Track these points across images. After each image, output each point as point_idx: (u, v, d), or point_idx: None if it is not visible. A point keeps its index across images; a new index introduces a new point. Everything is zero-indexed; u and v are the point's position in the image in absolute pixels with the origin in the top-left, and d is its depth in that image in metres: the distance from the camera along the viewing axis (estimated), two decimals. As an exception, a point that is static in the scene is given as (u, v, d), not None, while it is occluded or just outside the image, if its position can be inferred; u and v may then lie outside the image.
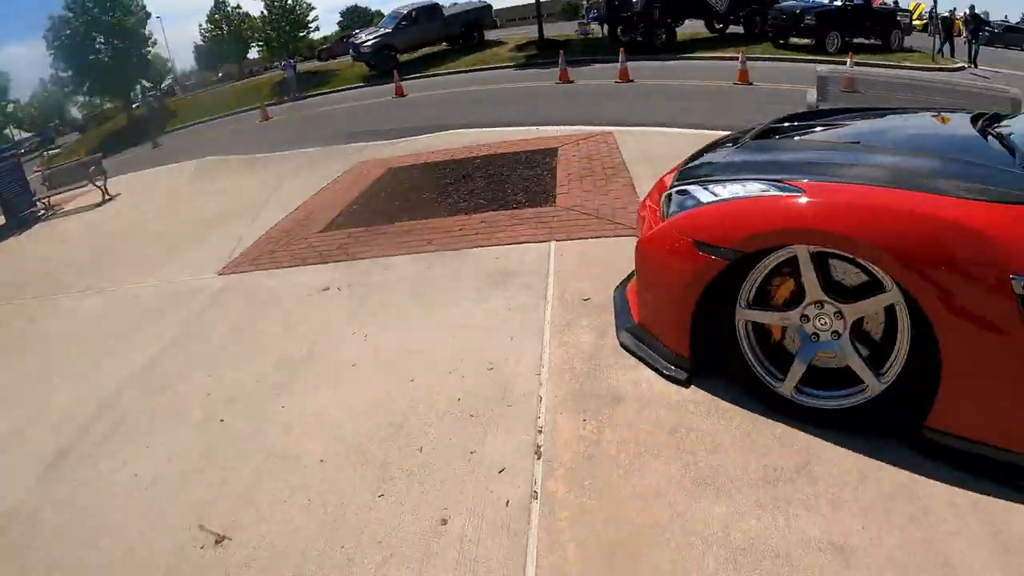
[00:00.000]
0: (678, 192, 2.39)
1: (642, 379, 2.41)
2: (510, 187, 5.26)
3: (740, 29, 19.48)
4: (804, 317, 2.07)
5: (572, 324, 2.85)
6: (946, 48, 17.06)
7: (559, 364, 2.56)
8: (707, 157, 2.71)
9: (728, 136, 3.08)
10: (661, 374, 2.41)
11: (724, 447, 2.03)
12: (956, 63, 16.19)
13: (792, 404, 2.12)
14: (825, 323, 2.05)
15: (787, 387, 2.12)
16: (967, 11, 18.04)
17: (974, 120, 2.58)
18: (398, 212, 5.05)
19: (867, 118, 3.06)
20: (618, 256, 3.37)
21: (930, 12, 18.06)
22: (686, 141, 5.59)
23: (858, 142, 2.57)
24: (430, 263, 3.85)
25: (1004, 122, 2.60)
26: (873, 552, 1.62)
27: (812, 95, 6.25)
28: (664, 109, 9.51)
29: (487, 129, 7.97)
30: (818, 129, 2.81)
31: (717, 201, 2.20)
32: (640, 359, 2.51)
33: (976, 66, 15.97)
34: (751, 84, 11.72)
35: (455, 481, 2.04)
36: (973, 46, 16.57)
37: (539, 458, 2.08)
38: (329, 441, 2.32)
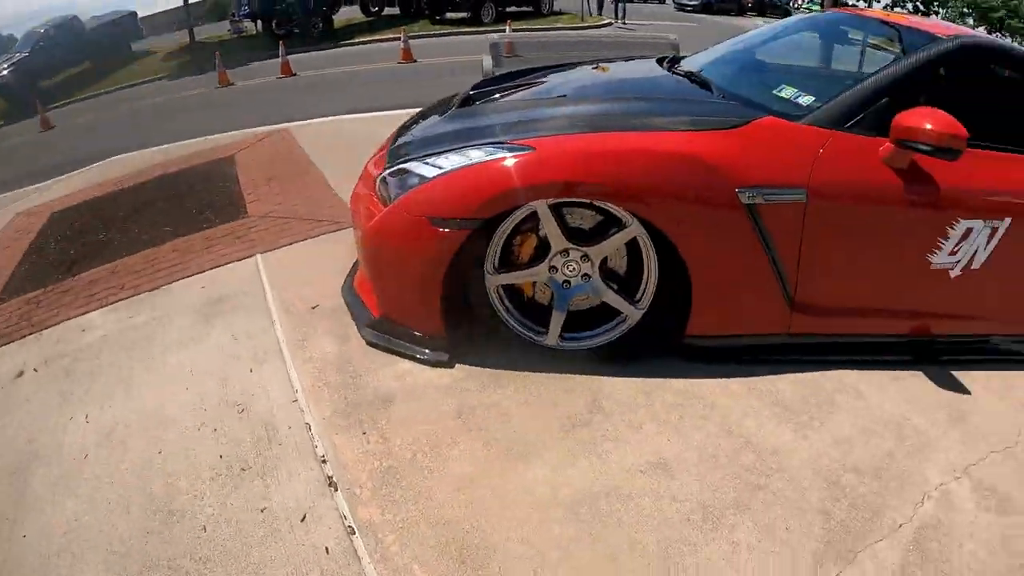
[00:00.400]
0: (393, 173, 2.26)
1: (404, 372, 2.25)
2: (194, 206, 4.55)
3: (396, 10, 20.03)
4: (552, 268, 2.17)
5: (309, 336, 2.52)
6: (594, 7, 19.71)
7: (312, 383, 2.23)
8: (415, 133, 2.61)
9: (426, 110, 3.01)
10: (421, 361, 2.28)
11: (513, 413, 2.02)
12: (604, 20, 19.13)
13: (562, 352, 2.22)
14: (574, 269, 2.17)
15: (551, 338, 2.20)
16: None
17: (659, 63, 2.99)
18: (77, 262, 3.94)
19: (561, 74, 3.21)
20: (332, 254, 3.14)
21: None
22: (367, 127, 5.51)
23: (565, 95, 2.71)
24: (131, 311, 3.05)
25: (683, 63, 3.06)
26: (686, 456, 1.79)
27: (488, 62, 6.44)
28: (336, 98, 9.28)
29: (152, 149, 6.76)
30: (520, 90, 2.88)
31: (443, 173, 2.12)
32: (394, 352, 2.34)
33: (624, 22, 18.92)
34: (416, 61, 12.14)
35: (260, 548, 1.61)
36: (619, 5, 18.94)
37: (336, 490, 1.77)
38: (95, 565, 1.63)
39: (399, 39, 12.79)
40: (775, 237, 2.03)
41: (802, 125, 2.11)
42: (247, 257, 3.39)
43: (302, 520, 1.69)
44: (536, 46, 7.80)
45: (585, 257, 2.14)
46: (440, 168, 2.14)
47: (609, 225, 2.10)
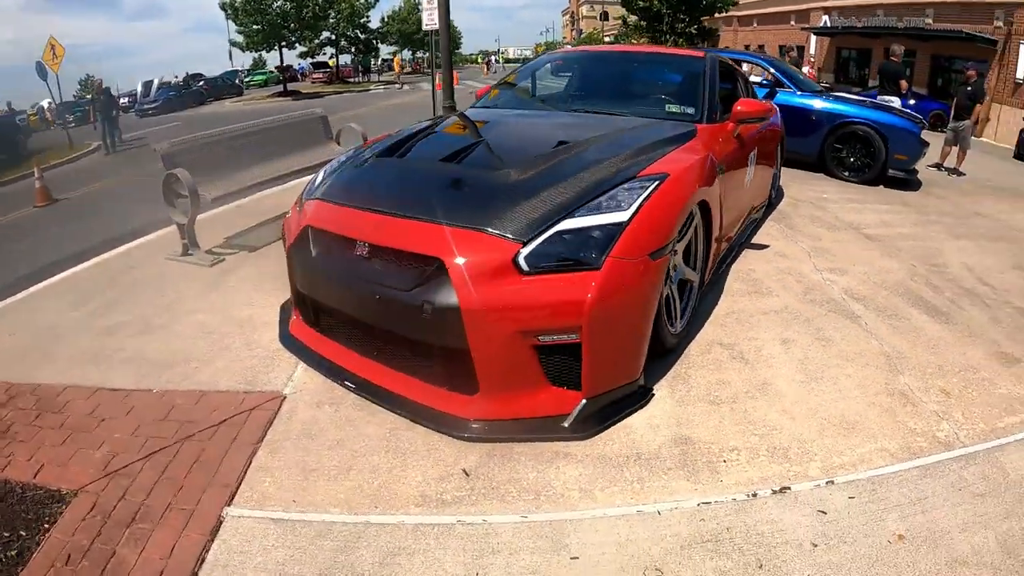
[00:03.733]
0: (552, 240, 2.17)
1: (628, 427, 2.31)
2: None
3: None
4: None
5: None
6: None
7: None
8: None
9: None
10: (635, 412, 2.34)
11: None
12: (91, 146, 15.60)
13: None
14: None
15: (679, 324, 2.87)
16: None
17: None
18: None
19: (498, 133, 3.43)
20: None
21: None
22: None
23: (567, 142, 2.91)
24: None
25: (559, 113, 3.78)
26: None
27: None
28: None
29: None
30: (470, 152, 2.97)
31: (632, 215, 2.24)
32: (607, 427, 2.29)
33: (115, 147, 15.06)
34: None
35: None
36: (105, 125, 15.12)
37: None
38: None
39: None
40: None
41: (707, 124, 3.25)
42: None
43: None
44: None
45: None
46: (621, 211, 2.19)
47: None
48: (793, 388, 2.54)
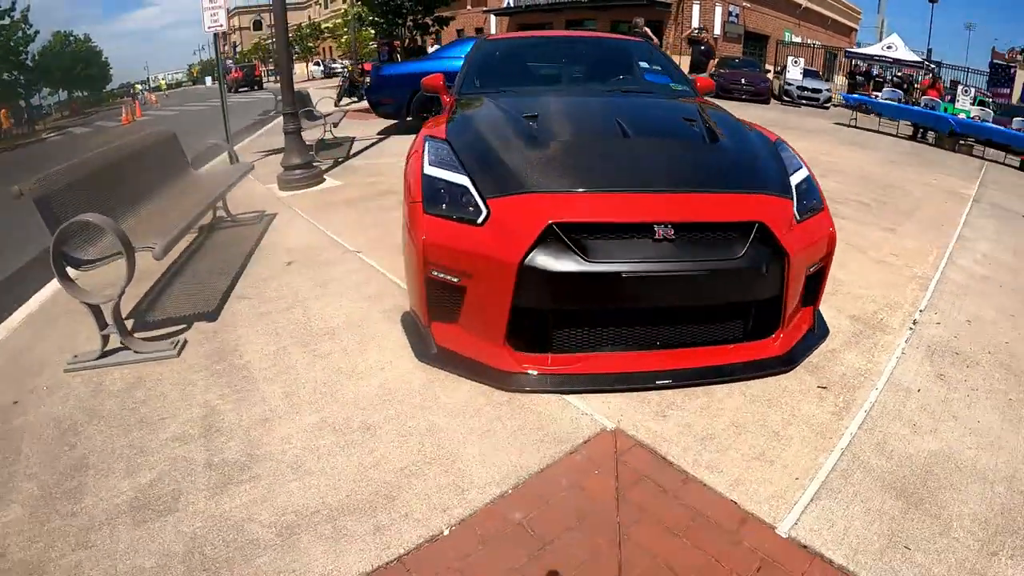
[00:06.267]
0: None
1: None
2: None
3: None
4: None
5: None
6: None
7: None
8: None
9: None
10: None
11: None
12: None
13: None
14: None
15: None
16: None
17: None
18: None
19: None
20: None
21: None
22: None
23: (627, 134, 2.82)
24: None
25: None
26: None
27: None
28: None
29: None
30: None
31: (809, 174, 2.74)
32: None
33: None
34: None
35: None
36: None
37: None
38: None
39: None
40: None
41: (699, 98, 3.55)
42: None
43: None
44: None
45: None
46: (801, 168, 2.63)
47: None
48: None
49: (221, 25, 7.95)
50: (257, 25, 52.83)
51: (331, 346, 2.59)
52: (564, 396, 2.16)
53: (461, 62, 4.03)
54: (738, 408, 2.11)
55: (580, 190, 2.25)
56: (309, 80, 32.82)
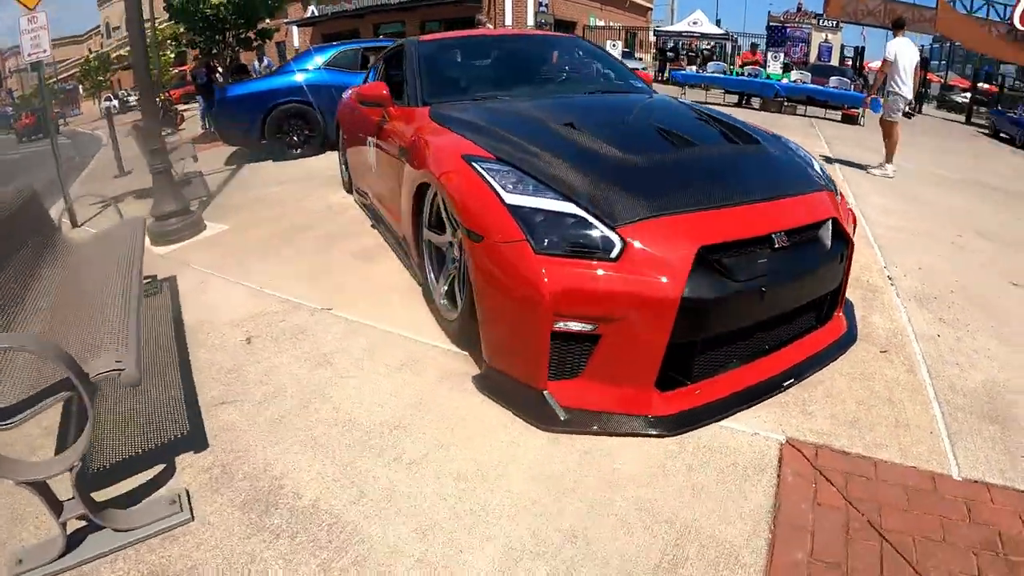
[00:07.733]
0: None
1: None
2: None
3: None
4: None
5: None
6: None
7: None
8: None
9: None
10: None
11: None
12: None
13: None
14: None
15: None
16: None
17: None
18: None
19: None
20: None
21: None
22: None
23: (664, 129, 2.93)
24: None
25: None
26: None
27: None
28: None
29: None
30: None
31: None
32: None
33: None
34: None
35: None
36: None
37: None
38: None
39: None
40: None
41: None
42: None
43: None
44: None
45: None
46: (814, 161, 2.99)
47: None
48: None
49: (45, 51, 6.61)
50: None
51: (413, 447, 2.08)
52: (720, 423, 2.19)
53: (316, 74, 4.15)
54: (847, 388, 2.48)
55: (701, 208, 2.14)
56: (104, 118, 27.97)
